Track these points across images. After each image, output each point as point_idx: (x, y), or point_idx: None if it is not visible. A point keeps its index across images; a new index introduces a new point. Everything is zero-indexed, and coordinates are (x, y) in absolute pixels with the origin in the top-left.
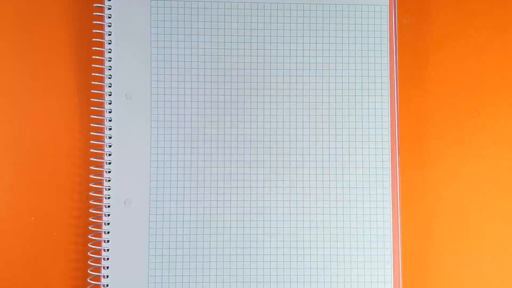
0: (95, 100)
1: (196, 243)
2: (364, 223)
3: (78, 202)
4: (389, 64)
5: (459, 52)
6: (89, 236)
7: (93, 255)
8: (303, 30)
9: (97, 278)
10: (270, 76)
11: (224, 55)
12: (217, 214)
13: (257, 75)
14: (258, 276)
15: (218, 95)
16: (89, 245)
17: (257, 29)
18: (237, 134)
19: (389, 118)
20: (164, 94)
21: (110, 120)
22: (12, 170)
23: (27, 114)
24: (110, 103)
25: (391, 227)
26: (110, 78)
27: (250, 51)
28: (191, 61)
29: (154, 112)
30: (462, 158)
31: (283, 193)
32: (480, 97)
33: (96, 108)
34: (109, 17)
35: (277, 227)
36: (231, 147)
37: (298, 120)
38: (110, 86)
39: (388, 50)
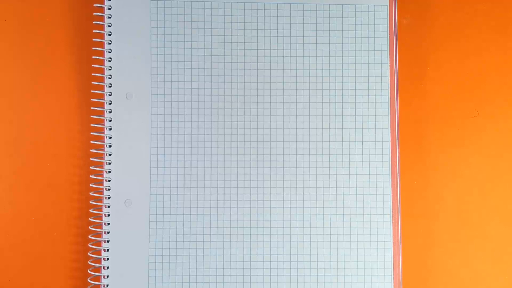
0: (95, 100)
1: (196, 243)
2: (364, 223)
3: (78, 202)
4: (389, 64)
5: (459, 52)
6: (89, 236)
7: (93, 255)
8: (303, 30)
9: (97, 278)
10: (270, 76)
11: (224, 55)
12: (217, 214)
13: (257, 75)
14: (258, 276)
15: (218, 95)
16: (89, 245)
17: (257, 29)
18: (237, 134)
19: (389, 118)
20: (164, 94)
21: (110, 120)
22: (12, 170)
23: (27, 114)
24: (110, 103)
25: (391, 227)
26: (110, 78)
27: (250, 51)
28: (191, 61)
29: (154, 112)
30: (462, 158)
31: (283, 193)
32: (480, 97)
33: (96, 108)
34: (109, 17)
35: (277, 227)
36: (231, 147)
37: (298, 120)
38: (110, 86)
39: (388, 50)
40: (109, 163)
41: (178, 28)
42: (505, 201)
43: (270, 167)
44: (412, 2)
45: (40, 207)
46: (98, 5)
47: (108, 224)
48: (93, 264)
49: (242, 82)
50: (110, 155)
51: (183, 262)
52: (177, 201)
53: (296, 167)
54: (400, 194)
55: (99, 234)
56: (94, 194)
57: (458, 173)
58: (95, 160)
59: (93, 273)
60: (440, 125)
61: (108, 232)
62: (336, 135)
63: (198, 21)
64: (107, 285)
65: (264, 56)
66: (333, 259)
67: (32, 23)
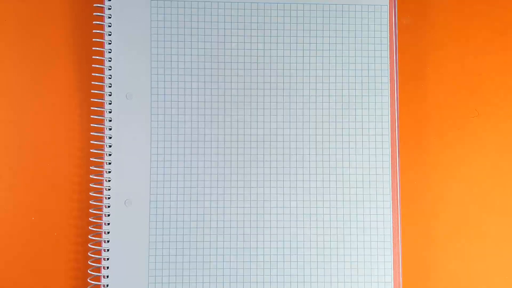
0: (95, 100)
1: (196, 243)
2: (364, 223)
3: (78, 202)
4: (389, 64)
5: (459, 52)
6: (89, 236)
7: (93, 255)
8: (303, 30)
9: (97, 278)
10: (270, 76)
11: (224, 55)
12: (217, 214)
13: (257, 75)
14: (258, 276)
15: (218, 95)
16: (89, 245)
17: (257, 29)
18: (237, 134)
19: (389, 118)
20: (164, 94)
21: (110, 120)
22: (12, 170)
23: (27, 114)
24: (110, 103)
25: (391, 227)
26: (110, 78)
27: (250, 51)
28: (191, 61)
29: (154, 112)
30: (462, 158)
31: (283, 193)
32: (480, 97)
33: (96, 108)
34: (109, 17)
35: (277, 227)
36: (231, 147)
37: (298, 120)
38: (110, 86)
39: (388, 50)
40: (109, 163)
41: (178, 28)
42: (505, 201)
43: (270, 167)
44: (412, 2)
45: (40, 207)
46: (98, 5)
47: (108, 224)
48: (93, 264)
49: (242, 82)
50: (110, 155)
51: (183, 262)
52: (177, 201)
53: (296, 167)
54: (400, 194)
55: (99, 234)
56: (94, 194)
57: (458, 173)
58: (95, 160)
59: (93, 273)
60: (440, 125)
61: (108, 232)
62: (336, 135)
63: (198, 21)
64: (107, 285)
65: (264, 56)
66: (333, 259)
67: (32, 23)
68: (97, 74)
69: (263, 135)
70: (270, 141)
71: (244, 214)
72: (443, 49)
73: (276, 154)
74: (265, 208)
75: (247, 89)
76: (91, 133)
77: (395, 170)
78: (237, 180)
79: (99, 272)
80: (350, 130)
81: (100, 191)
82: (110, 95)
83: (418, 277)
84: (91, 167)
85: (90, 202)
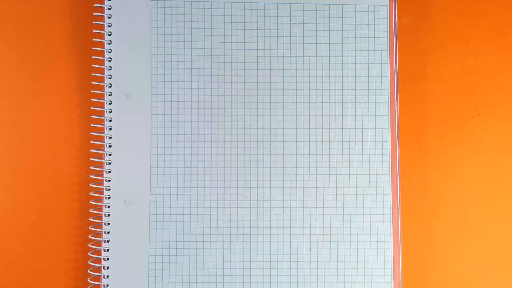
0: (95, 100)
1: (196, 243)
2: (364, 223)
3: (78, 202)
4: (389, 64)
5: (459, 52)
6: (89, 236)
7: (93, 255)
8: (303, 30)
9: (97, 278)
10: (270, 76)
11: (224, 55)
12: (217, 214)
13: (257, 75)
14: (258, 276)
15: (218, 95)
16: (89, 245)
17: (257, 29)
18: (237, 134)
19: (389, 118)
20: (164, 94)
21: (110, 120)
22: (12, 170)
23: (27, 114)
24: (110, 103)
25: (391, 227)
26: (110, 78)
27: (250, 51)
28: (191, 61)
29: (154, 112)
30: (462, 158)
31: (283, 193)
32: (480, 97)
33: (96, 108)
34: (109, 17)
35: (277, 227)
36: (231, 147)
37: (298, 120)
38: (110, 86)
39: (388, 50)
40: (109, 163)
41: (178, 28)
42: (505, 201)
43: (270, 167)
44: (412, 2)
45: (40, 207)
46: (98, 5)
47: (108, 224)
48: (93, 264)
49: (242, 82)
50: (110, 155)
51: (183, 262)
52: (177, 201)
53: (296, 167)
54: (400, 194)
55: (99, 234)
56: (94, 194)
57: (458, 173)
58: (95, 160)
59: (93, 273)
60: (440, 125)
61: (108, 232)
62: (336, 135)
63: (198, 21)
64: (107, 285)
65: (264, 56)
66: (333, 259)
67: (32, 23)
68: (97, 74)
69: (263, 135)
70: (270, 141)
71: (244, 214)
72: (443, 49)
73: (276, 154)
74: (265, 208)
75: (247, 89)
76: (91, 133)
77: (395, 170)
78: (237, 180)
79: (99, 272)
80: (350, 130)
81: (100, 191)
82: (110, 95)
83: (418, 277)
84: (91, 167)
85: (90, 202)
